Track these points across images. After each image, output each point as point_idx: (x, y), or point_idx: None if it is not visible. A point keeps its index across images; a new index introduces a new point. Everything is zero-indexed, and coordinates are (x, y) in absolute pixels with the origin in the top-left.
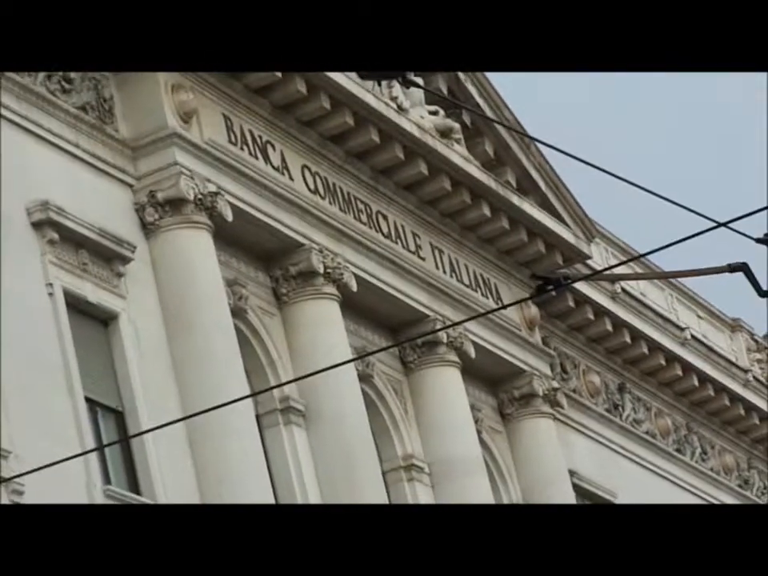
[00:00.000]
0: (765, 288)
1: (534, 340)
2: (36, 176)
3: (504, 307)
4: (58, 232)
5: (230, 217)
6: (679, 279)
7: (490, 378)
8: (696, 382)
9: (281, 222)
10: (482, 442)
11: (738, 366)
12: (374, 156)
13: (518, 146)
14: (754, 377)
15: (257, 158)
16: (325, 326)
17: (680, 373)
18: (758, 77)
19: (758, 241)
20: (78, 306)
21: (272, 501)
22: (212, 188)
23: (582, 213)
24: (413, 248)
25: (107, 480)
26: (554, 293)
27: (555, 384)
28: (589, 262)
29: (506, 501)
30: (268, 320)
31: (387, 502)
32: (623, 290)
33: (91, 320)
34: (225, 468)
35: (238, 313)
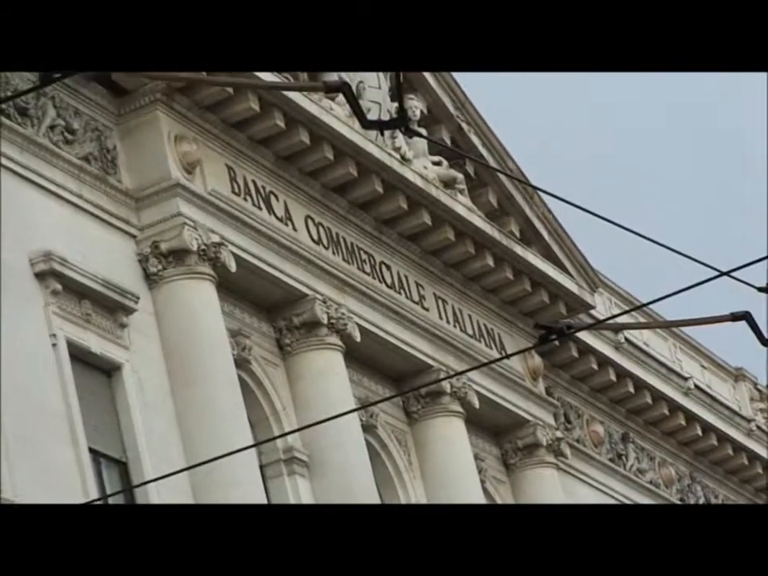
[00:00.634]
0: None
1: (537, 390)
2: (39, 227)
3: (507, 357)
4: (61, 283)
5: (233, 267)
6: (682, 328)
7: (494, 428)
8: (699, 432)
9: (284, 273)
10: (485, 491)
11: (741, 416)
12: (377, 206)
13: (522, 196)
14: (757, 426)
15: (260, 208)
16: (328, 377)
17: (683, 422)
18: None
19: (761, 290)
20: (81, 357)
21: None
22: (215, 239)
23: (585, 262)
24: (416, 298)
25: None
26: (557, 342)
27: (559, 434)
28: (592, 311)
29: None
30: (272, 370)
31: None
32: (627, 339)
33: (95, 371)
34: None
35: (241, 363)
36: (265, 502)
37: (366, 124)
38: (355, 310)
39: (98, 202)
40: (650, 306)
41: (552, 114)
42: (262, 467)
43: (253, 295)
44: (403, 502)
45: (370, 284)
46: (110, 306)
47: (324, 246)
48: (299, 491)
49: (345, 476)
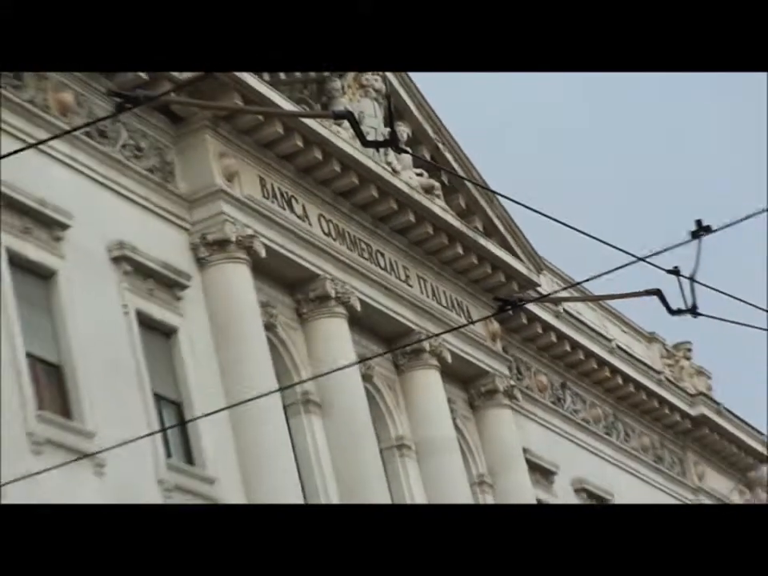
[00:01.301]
0: (674, 308)
1: (496, 348)
2: (114, 222)
3: (473, 323)
4: (131, 265)
5: (263, 254)
6: (608, 301)
7: (462, 378)
8: (621, 381)
9: (302, 258)
10: (456, 426)
11: (653, 369)
12: (373, 207)
13: (484, 199)
14: (665, 377)
15: (284, 208)
16: (336, 338)
17: (609, 374)
18: None
19: (669, 272)
20: (146, 323)
21: (295, 471)
22: (250, 232)
23: (533, 250)
24: (403, 278)
25: (169, 455)
26: (511, 312)
27: (512, 382)
28: (538, 288)
29: (474, 472)
30: (292, 333)
31: (384, 474)
32: (565, 310)
33: (157, 333)
34: (260, 447)
35: (269, 327)
36: (287, 433)
37: (366, 143)
38: (356, 286)
39: (159, 203)
40: (583, 284)
41: (498, 111)
42: (285, 407)
43: (278, 275)
44: (392, 434)
45: (368, 267)
46: (168, 284)
47: (333, 237)
48: (313, 427)
49: (348, 414)
